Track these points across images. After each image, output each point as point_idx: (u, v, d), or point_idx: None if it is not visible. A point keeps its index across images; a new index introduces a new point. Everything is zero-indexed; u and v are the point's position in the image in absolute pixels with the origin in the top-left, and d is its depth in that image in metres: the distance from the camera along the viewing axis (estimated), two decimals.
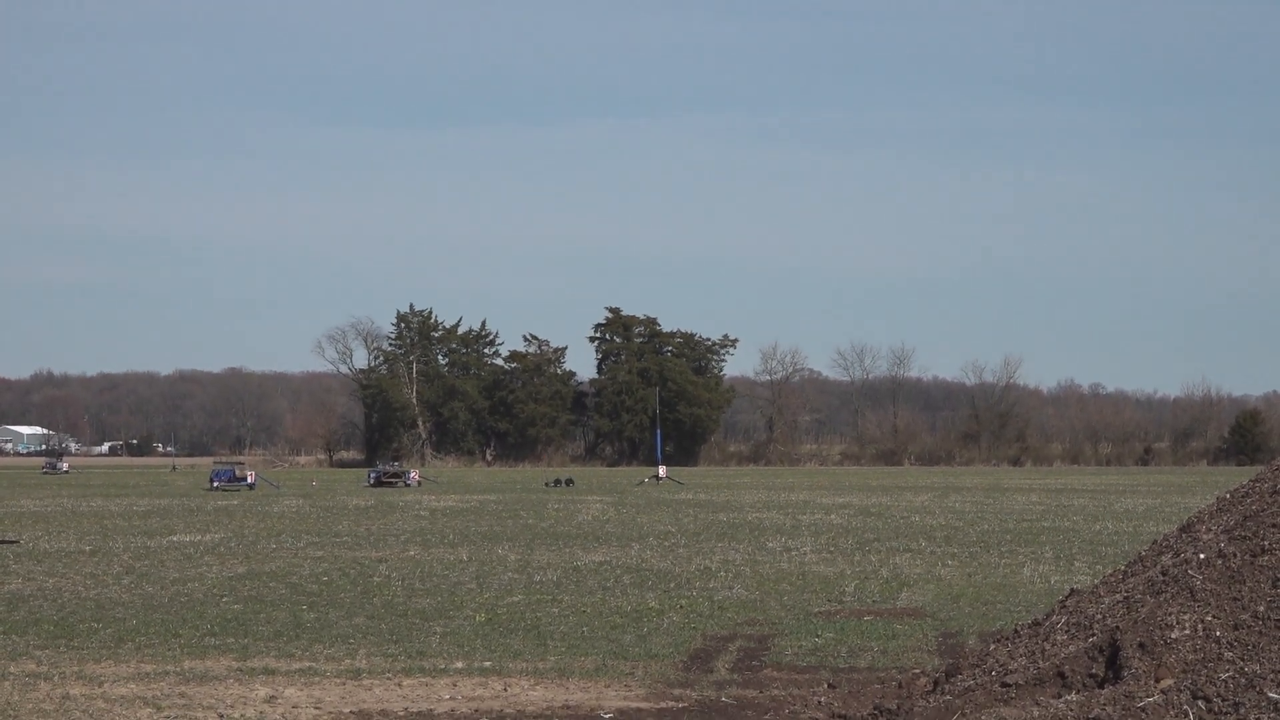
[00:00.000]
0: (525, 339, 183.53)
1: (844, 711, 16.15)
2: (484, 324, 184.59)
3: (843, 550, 42.14)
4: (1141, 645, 13.95)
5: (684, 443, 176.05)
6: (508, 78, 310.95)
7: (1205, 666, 13.61)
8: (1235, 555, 14.78)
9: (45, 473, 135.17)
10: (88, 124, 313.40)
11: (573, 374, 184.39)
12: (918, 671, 17.81)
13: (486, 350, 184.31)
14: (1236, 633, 13.89)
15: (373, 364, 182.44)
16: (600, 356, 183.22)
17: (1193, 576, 14.64)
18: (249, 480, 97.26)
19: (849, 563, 38.07)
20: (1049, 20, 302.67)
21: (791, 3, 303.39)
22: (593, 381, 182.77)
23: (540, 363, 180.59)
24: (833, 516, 59.67)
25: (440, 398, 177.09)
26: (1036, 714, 13.51)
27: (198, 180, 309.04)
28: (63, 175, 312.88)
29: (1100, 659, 14.20)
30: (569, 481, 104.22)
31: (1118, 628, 14.27)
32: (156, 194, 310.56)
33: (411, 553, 41.66)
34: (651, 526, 53.46)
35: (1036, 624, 15.99)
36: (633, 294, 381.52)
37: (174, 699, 19.43)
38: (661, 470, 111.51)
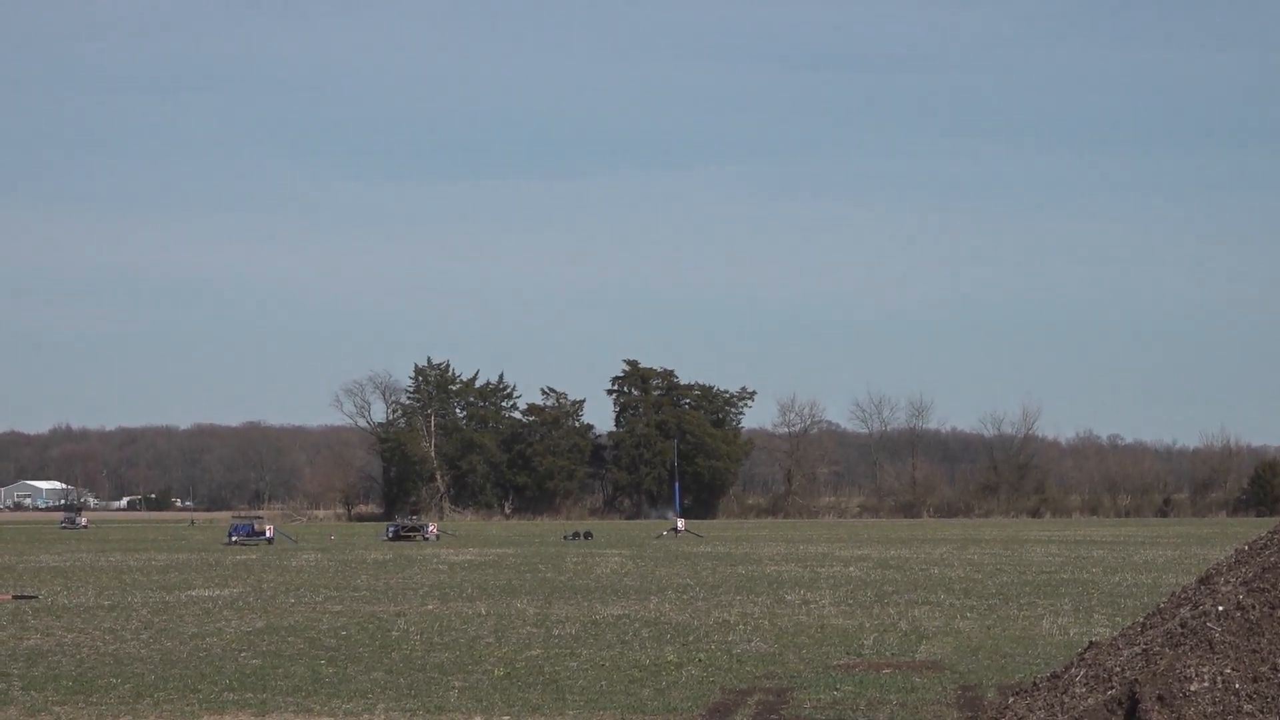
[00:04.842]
0: (543, 392, 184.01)
1: None
2: (501, 377, 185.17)
3: (861, 603, 42.06)
4: (1160, 698, 13.92)
5: (702, 495, 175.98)
6: (525, 131, 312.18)
7: (1224, 719, 13.58)
8: (1254, 607, 14.75)
9: (64, 528, 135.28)
10: (107, 176, 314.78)
11: (590, 427, 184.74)
12: None
13: (504, 403, 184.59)
14: (1256, 685, 13.87)
15: (391, 417, 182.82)
16: (618, 409, 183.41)
17: (1211, 629, 14.61)
18: (267, 535, 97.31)
19: (868, 615, 38.00)
20: (1067, 69, 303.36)
21: (807, 54, 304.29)
22: (611, 434, 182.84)
23: (558, 416, 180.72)
24: (851, 569, 59.56)
25: (458, 451, 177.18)
26: None
27: (215, 233, 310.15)
28: (80, 226, 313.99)
29: (1119, 712, 14.17)
30: (587, 535, 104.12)
31: (1136, 680, 14.25)
32: (173, 247, 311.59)
33: (430, 607, 41.63)
34: (670, 579, 53.40)
35: (1055, 676, 15.96)
36: (650, 346, 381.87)
37: None
38: (680, 523, 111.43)
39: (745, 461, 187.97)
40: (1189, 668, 14.14)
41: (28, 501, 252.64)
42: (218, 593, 47.99)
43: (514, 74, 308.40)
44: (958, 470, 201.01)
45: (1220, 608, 14.91)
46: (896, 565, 62.68)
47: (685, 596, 44.89)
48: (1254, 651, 14.22)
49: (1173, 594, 16.62)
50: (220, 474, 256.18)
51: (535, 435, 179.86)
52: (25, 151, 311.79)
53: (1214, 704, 13.73)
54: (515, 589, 49.06)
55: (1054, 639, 31.91)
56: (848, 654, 29.47)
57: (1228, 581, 15.66)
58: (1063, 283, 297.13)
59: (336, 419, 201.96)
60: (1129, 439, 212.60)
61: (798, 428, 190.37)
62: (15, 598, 45.72)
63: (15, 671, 27.33)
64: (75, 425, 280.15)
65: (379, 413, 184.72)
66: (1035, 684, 16.07)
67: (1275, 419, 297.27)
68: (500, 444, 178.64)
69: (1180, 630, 14.88)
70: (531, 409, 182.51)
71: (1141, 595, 43.98)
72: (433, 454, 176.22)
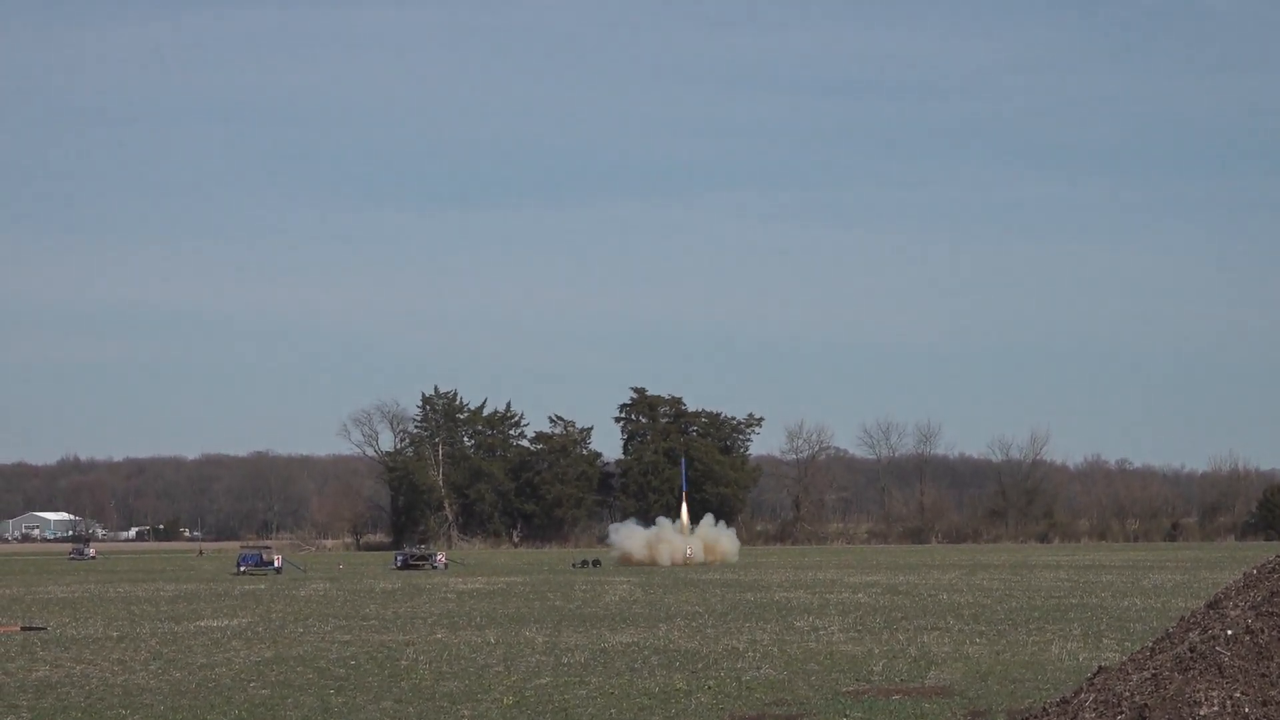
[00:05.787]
0: (551, 420, 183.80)
1: None
2: (509, 405, 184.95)
3: (870, 629, 42.02)
4: None
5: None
6: (531, 160, 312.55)
7: None
8: (1263, 631, 14.75)
9: (72, 559, 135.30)
10: (115, 207, 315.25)
11: (599, 454, 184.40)
12: None
13: (512, 431, 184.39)
14: (1265, 709, 13.86)
15: (399, 446, 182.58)
16: (626, 437, 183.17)
17: (1221, 653, 14.61)
18: (275, 564, 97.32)
19: (876, 641, 37.96)
20: (1074, 96, 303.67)
21: (813, 82, 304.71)
22: (619, 462, 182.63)
23: (566, 443, 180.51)
24: (860, 595, 59.49)
25: (466, 479, 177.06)
26: None
27: (221, 263, 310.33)
28: (87, 257, 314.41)
29: None
30: (596, 562, 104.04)
31: (1146, 705, 14.24)
32: (180, 277, 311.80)
33: (439, 635, 41.62)
34: (679, 607, 53.36)
35: (1065, 702, 15.95)
36: (657, 373, 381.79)
37: None
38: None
39: (753, 488, 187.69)
40: (1198, 692, 14.13)
41: (36, 533, 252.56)
42: (226, 623, 47.98)
43: (520, 103, 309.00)
44: (966, 496, 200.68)
45: (1229, 632, 14.90)
46: (905, 591, 62.60)
47: (694, 624, 44.86)
48: (1263, 675, 14.21)
49: (1182, 618, 16.61)
50: (228, 504, 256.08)
51: (543, 463, 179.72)
52: (30, 184, 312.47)
53: None
54: (524, 617, 49.03)
55: (1063, 664, 31.87)
56: (857, 680, 29.45)
57: (1236, 606, 15.65)
58: (1070, 308, 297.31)
59: (344, 448, 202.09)
60: (1137, 463, 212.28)
61: (806, 454, 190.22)
62: (24, 629, 45.73)
63: (24, 703, 27.34)
64: (83, 456, 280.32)
65: (387, 442, 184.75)
66: (1045, 709, 16.06)
67: None
68: (508, 472, 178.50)
69: (1189, 654, 14.87)
70: (539, 437, 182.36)
71: (1150, 620, 43.92)
72: (440, 483, 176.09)
